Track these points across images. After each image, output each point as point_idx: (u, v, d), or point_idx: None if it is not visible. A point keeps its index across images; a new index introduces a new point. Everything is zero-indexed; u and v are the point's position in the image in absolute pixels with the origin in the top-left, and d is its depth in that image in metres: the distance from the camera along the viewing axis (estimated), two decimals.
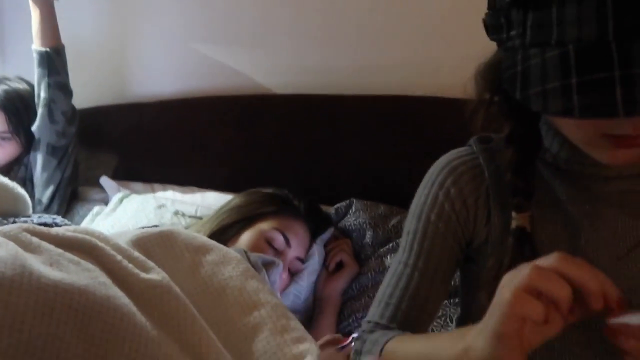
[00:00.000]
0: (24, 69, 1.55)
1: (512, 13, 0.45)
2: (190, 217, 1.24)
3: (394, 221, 1.14)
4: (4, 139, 1.38)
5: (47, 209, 1.35)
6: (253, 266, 0.91)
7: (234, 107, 1.45)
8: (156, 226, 0.88)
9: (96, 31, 1.65)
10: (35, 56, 1.34)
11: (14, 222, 0.84)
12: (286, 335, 0.57)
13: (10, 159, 1.40)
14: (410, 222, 0.64)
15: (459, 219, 0.61)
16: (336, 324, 1.01)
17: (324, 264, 1.10)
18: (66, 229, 0.64)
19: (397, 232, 1.11)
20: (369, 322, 0.64)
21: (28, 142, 1.41)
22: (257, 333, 0.58)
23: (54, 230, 0.59)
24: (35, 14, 1.32)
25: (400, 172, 1.23)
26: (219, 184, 1.38)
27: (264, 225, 1.02)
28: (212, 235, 0.99)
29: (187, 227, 1.10)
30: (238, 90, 1.49)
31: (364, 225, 1.14)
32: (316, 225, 1.12)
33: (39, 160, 1.36)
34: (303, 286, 1.06)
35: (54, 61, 1.32)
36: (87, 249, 0.59)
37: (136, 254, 0.62)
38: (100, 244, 0.60)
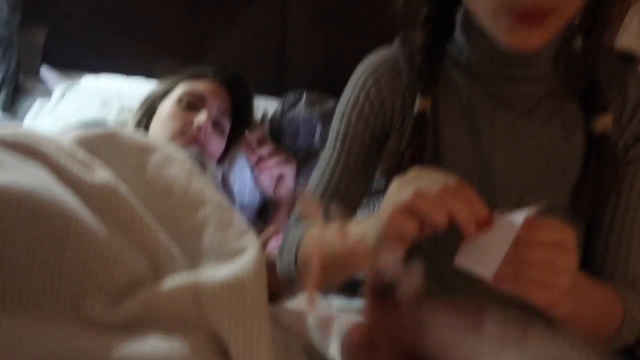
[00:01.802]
0: None
1: None
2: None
3: None
4: None
5: None
6: (206, 163, 0.94)
7: None
8: (100, 123, 0.88)
9: None
10: None
11: None
12: (230, 230, 0.61)
13: None
14: (335, 122, 0.68)
15: (377, 118, 0.64)
16: None
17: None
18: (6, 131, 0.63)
19: None
20: (293, 216, 0.69)
21: None
22: (203, 229, 0.62)
23: None
24: None
25: (350, 64, 1.23)
26: (164, 72, 1.34)
27: (176, 93, 1.08)
28: (139, 121, 1.09)
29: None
30: None
31: (314, 119, 1.16)
32: (231, 81, 1.14)
33: None
34: (248, 173, 1.12)
35: None
36: (31, 150, 0.60)
37: (81, 154, 0.63)
38: (44, 145, 0.61)
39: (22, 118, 1.31)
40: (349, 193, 0.66)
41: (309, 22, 1.25)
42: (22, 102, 1.36)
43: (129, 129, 1.06)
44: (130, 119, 1.12)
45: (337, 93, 1.18)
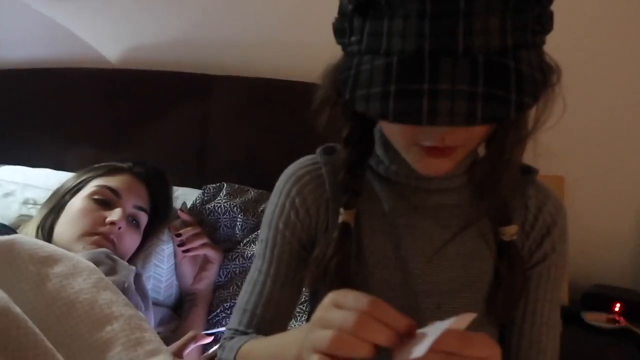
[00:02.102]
0: None
1: (354, 20, 0.47)
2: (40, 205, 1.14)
3: (264, 206, 1.16)
4: None
5: None
6: (116, 264, 0.88)
7: (90, 80, 1.35)
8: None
9: None
10: None
11: None
12: (140, 348, 0.57)
13: None
14: (263, 231, 0.68)
15: (303, 226, 0.65)
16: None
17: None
18: None
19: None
20: (229, 329, 0.67)
21: None
22: (110, 348, 0.57)
23: None
24: None
25: (270, 156, 1.25)
26: (76, 164, 1.28)
27: (88, 188, 1.03)
28: (45, 222, 1.00)
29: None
30: (94, 62, 1.38)
31: (235, 209, 1.14)
32: (149, 176, 1.11)
33: None
34: (163, 269, 1.06)
35: None
36: None
37: None
38: None
39: None
40: (282, 302, 0.65)
41: (231, 117, 1.27)
42: None
43: (32, 226, 0.98)
44: (36, 213, 1.04)
45: (256, 184, 1.21)
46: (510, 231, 0.60)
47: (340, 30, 0.50)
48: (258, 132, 1.26)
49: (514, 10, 0.43)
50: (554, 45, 0.52)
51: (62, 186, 1.07)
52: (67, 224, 0.98)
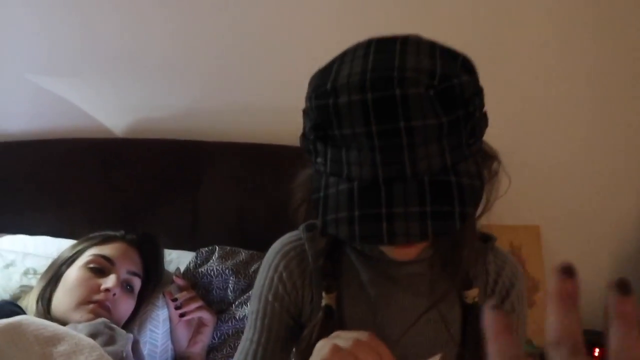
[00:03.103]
0: None
1: (317, 144, 0.55)
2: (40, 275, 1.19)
3: (254, 267, 1.21)
4: None
5: None
6: (115, 333, 0.93)
7: (91, 151, 1.42)
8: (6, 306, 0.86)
9: None
10: None
11: None
12: None
13: None
14: (253, 302, 0.73)
15: (290, 297, 0.71)
16: None
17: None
18: None
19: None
20: None
21: None
22: None
23: None
24: None
25: (260, 218, 1.32)
26: (75, 232, 1.34)
27: (83, 258, 1.08)
28: (44, 293, 1.04)
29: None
30: (95, 132, 1.46)
31: (227, 271, 1.19)
32: (141, 242, 1.17)
33: None
34: (159, 334, 1.10)
35: None
36: None
37: None
38: None
39: None
40: None
41: (222, 181, 1.34)
42: None
43: (33, 298, 1.03)
44: (36, 283, 1.09)
45: (247, 246, 1.27)
46: (472, 294, 0.67)
47: (307, 150, 0.57)
48: (249, 196, 1.33)
49: (449, 134, 0.51)
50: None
51: (59, 257, 1.12)
52: (64, 294, 1.03)
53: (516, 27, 1.33)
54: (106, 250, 1.10)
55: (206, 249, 1.25)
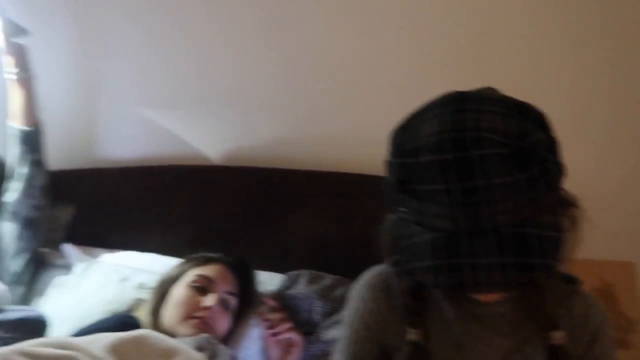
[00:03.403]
0: None
1: (400, 195, 0.60)
2: (150, 290, 1.33)
3: (340, 292, 1.27)
4: None
5: (18, 277, 1.40)
6: (216, 349, 1.03)
7: (191, 177, 1.56)
8: (127, 320, 0.99)
9: (64, 97, 1.72)
10: (16, 134, 1.38)
11: None
12: None
13: None
14: (342, 330, 0.80)
15: (378, 328, 0.76)
16: None
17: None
18: (45, 342, 0.73)
19: (343, 302, 1.24)
20: None
21: None
22: None
23: (41, 350, 0.69)
24: (16, 94, 1.37)
25: (348, 245, 1.38)
26: (178, 250, 1.48)
27: (187, 277, 1.21)
28: (155, 308, 1.17)
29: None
30: (195, 159, 1.61)
31: (313, 295, 1.26)
32: (237, 265, 1.28)
33: (13, 231, 1.40)
34: (252, 351, 1.19)
35: (35, 139, 1.39)
36: None
37: None
38: (80, 358, 0.71)
39: (42, 291, 1.41)
40: None
41: (309, 213, 1.42)
42: (43, 276, 1.47)
43: (145, 311, 1.15)
44: (147, 298, 1.22)
45: (332, 271, 1.33)
46: (558, 335, 0.68)
47: (391, 199, 0.63)
48: (335, 223, 1.40)
49: (526, 189, 0.54)
50: None
51: (166, 275, 1.25)
52: (171, 309, 1.16)
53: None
54: (207, 270, 1.21)
55: (294, 272, 1.33)
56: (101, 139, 1.73)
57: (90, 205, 1.63)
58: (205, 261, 1.25)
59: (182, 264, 1.27)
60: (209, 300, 1.15)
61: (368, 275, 0.80)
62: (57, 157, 1.55)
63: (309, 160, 1.50)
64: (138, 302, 1.25)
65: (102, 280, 1.35)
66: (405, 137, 0.59)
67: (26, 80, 1.38)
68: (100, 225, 1.61)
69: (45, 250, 1.54)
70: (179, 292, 1.17)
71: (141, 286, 1.33)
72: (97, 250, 1.53)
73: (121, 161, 1.69)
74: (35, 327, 0.97)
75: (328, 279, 1.31)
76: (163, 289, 1.21)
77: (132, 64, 1.65)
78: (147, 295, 1.27)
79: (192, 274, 1.21)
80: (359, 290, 0.79)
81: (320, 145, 1.52)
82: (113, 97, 1.70)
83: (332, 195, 1.42)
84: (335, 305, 1.25)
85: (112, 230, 1.59)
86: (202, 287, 1.17)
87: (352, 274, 1.27)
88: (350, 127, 1.49)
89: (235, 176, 1.52)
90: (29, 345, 0.71)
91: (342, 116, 1.49)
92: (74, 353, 0.71)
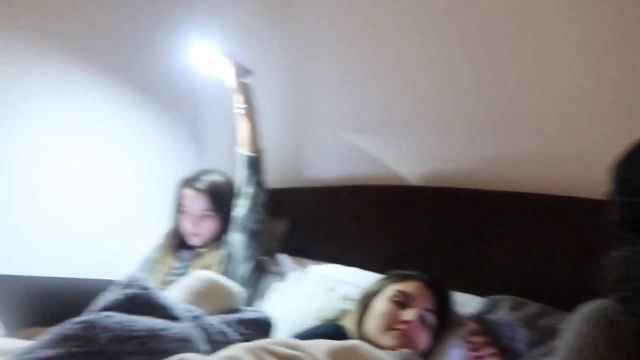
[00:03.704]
0: (215, 162, 1.94)
1: (626, 235, 0.56)
2: (355, 301, 1.44)
3: (546, 321, 1.20)
4: (206, 215, 1.73)
5: (246, 281, 1.65)
6: None
7: (391, 196, 1.63)
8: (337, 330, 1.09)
9: (279, 126, 1.97)
10: (243, 159, 1.65)
11: (237, 318, 1.10)
12: None
13: (213, 233, 1.75)
14: None
15: None
16: None
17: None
18: (276, 341, 0.86)
19: (551, 333, 1.18)
20: None
21: (225, 222, 1.75)
22: None
23: (277, 348, 0.82)
24: (243, 125, 1.65)
25: (555, 272, 1.30)
26: (378, 266, 1.57)
27: (388, 292, 1.26)
28: (359, 318, 1.26)
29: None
30: (394, 180, 1.68)
31: (517, 322, 1.22)
32: (434, 284, 1.30)
33: (241, 241, 1.67)
34: None
35: (258, 163, 1.64)
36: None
37: None
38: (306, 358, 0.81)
39: (263, 295, 1.64)
40: None
41: (510, 236, 1.38)
42: (263, 281, 1.71)
43: (351, 321, 1.25)
44: (351, 309, 1.32)
45: (536, 299, 1.27)
46: None
47: (614, 236, 0.59)
48: (540, 248, 1.33)
49: None
50: None
51: (368, 289, 1.34)
52: (372, 320, 1.24)
53: None
54: (406, 287, 1.27)
55: (496, 297, 1.29)
56: (308, 160, 1.93)
57: (299, 220, 1.84)
58: (404, 278, 1.31)
59: (383, 279, 1.34)
60: (409, 314, 1.20)
61: (589, 309, 0.76)
62: (272, 177, 1.79)
63: (511, 181, 1.45)
64: (344, 312, 1.36)
65: (312, 289, 1.50)
66: (630, 172, 0.56)
67: (251, 113, 1.64)
68: (308, 238, 1.80)
69: (265, 258, 1.79)
70: (380, 304, 1.25)
71: (345, 297, 1.44)
72: (305, 261, 1.71)
73: (326, 180, 1.86)
74: (265, 327, 1.14)
75: (533, 307, 1.24)
76: (365, 302, 1.30)
77: (335, 94, 1.81)
78: (351, 306, 1.38)
79: (392, 289, 1.27)
80: (578, 323, 0.76)
81: (523, 166, 1.46)
82: (319, 123, 1.89)
83: (537, 218, 1.35)
84: (542, 336, 1.19)
85: (318, 243, 1.76)
86: (401, 302, 1.23)
87: (558, 304, 1.22)
88: (556, 147, 1.40)
89: (435, 196, 1.54)
90: (266, 342, 0.85)
91: (548, 136, 1.42)
92: (302, 354, 0.82)
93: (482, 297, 1.34)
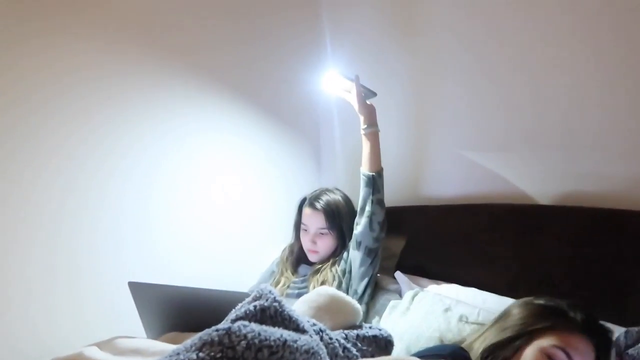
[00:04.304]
0: (334, 180, 2.00)
1: None
2: (472, 323, 1.39)
3: None
4: (322, 233, 1.79)
5: (360, 297, 1.68)
6: None
7: (507, 216, 1.57)
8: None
9: (399, 145, 2.00)
10: (363, 178, 1.70)
11: (356, 334, 1.12)
12: None
13: (329, 250, 1.81)
14: None
15: None
16: None
17: None
18: (396, 358, 0.86)
19: None
20: None
21: (342, 239, 1.79)
22: None
23: None
24: (366, 145, 1.69)
25: None
26: (498, 287, 1.51)
27: (544, 342, 1.07)
28: (495, 348, 1.12)
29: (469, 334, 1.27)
30: (510, 198, 1.61)
31: None
32: (597, 339, 1.10)
33: (358, 258, 1.71)
34: None
35: (377, 182, 1.67)
36: None
37: None
38: None
39: (379, 312, 1.65)
40: None
41: None
42: (379, 298, 1.72)
43: (478, 346, 1.18)
44: (479, 332, 1.21)
45: None
46: None
47: None
48: None
49: None
50: None
51: (510, 320, 1.16)
52: None
53: None
54: (568, 344, 1.06)
55: (636, 329, 1.18)
56: (426, 178, 1.92)
57: (417, 238, 1.83)
58: (562, 327, 1.10)
59: (534, 317, 1.14)
60: None
61: None
62: (392, 195, 1.80)
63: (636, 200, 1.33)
64: (458, 331, 1.31)
65: (428, 308, 1.48)
66: None
67: (374, 134, 1.67)
68: (424, 256, 1.78)
69: (381, 276, 1.80)
70: (533, 356, 1.06)
71: (462, 318, 1.40)
72: (422, 279, 1.70)
73: (445, 199, 1.83)
74: (385, 344, 1.14)
75: None
76: (508, 338, 1.12)
77: (456, 113, 1.79)
78: (468, 327, 1.33)
79: (549, 342, 1.07)
80: None
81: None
82: (437, 142, 1.87)
83: None
84: None
85: (434, 262, 1.74)
86: (556, 355, 1.05)
87: None
88: None
89: (561, 217, 1.46)
90: (387, 359, 0.86)
91: None
92: None
93: (621, 327, 1.23)
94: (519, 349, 1.10)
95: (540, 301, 1.18)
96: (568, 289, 1.37)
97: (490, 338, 1.16)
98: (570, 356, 1.04)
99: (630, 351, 1.16)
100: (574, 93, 1.47)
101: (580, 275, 1.38)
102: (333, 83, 1.75)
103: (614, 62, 1.38)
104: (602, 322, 1.14)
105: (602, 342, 1.11)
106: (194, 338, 0.82)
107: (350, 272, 1.73)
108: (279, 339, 0.82)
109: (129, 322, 1.29)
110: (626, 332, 1.19)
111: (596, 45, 1.41)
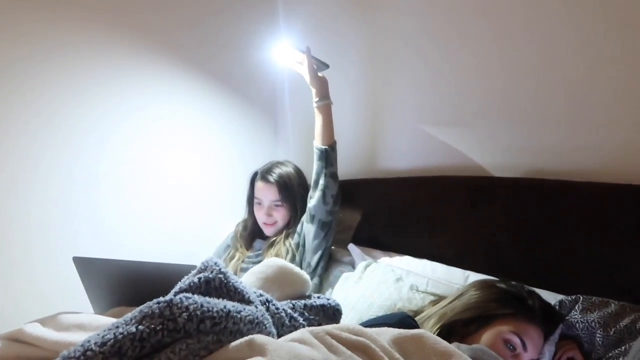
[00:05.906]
0: (289, 154, 1.99)
1: None
2: (422, 292, 1.43)
3: (626, 321, 1.14)
4: (277, 205, 1.80)
5: (314, 270, 1.70)
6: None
7: (461, 188, 1.61)
8: (403, 319, 1.10)
9: (353, 118, 2.00)
10: (316, 152, 1.69)
11: (304, 304, 1.14)
12: None
13: (284, 222, 1.81)
14: None
15: None
16: None
17: None
18: (342, 327, 0.88)
19: (631, 333, 1.12)
20: None
21: (294, 211, 1.80)
22: None
23: (342, 334, 0.84)
24: (318, 118, 1.68)
25: (634, 268, 1.23)
26: (447, 257, 1.55)
27: (503, 327, 1.12)
28: (455, 324, 1.17)
29: (422, 307, 1.31)
30: (464, 171, 1.65)
31: (593, 324, 1.16)
32: (548, 326, 1.18)
33: (312, 231, 1.72)
34: None
35: (330, 156, 1.67)
36: (364, 349, 0.83)
37: (397, 355, 0.83)
38: (372, 346, 0.83)
39: (332, 284, 1.67)
40: None
41: (589, 233, 1.31)
42: (332, 270, 1.75)
43: (430, 328, 1.20)
44: (430, 310, 1.26)
45: (621, 297, 1.20)
46: None
47: None
48: (621, 241, 1.26)
49: None
50: None
51: (470, 301, 1.20)
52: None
53: None
54: (525, 332, 1.12)
55: (569, 298, 1.24)
56: (381, 151, 1.94)
57: (372, 211, 1.85)
58: (522, 315, 1.15)
59: (497, 302, 1.18)
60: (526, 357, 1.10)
61: None
62: (345, 169, 1.81)
63: (597, 172, 1.38)
64: (408, 300, 1.34)
65: (380, 278, 1.52)
66: None
67: (327, 107, 1.67)
68: (379, 228, 1.81)
69: (335, 248, 1.83)
70: (490, 339, 1.12)
71: (412, 287, 1.44)
72: (375, 251, 1.73)
73: (398, 171, 1.85)
74: (333, 313, 1.16)
75: (612, 306, 1.18)
76: (469, 317, 1.17)
77: (411, 87, 1.80)
78: (418, 295, 1.38)
79: (507, 328, 1.12)
80: None
81: (607, 155, 1.38)
82: (392, 116, 1.88)
83: (624, 210, 1.27)
84: (620, 336, 1.12)
85: (388, 234, 1.77)
86: (514, 349, 1.11)
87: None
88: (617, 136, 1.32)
89: (510, 188, 1.49)
90: (331, 327, 0.87)
91: (611, 124, 1.33)
92: (366, 341, 0.83)
93: (560, 295, 1.29)
94: (478, 331, 1.15)
95: (503, 285, 1.23)
96: (512, 258, 1.42)
97: (451, 315, 1.20)
98: (524, 343, 1.11)
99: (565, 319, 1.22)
100: (521, 67, 1.50)
101: (524, 245, 1.43)
102: (284, 55, 1.72)
103: (566, 35, 1.41)
104: (556, 310, 1.21)
105: (553, 329, 1.18)
106: (134, 311, 0.82)
107: (304, 245, 1.74)
108: (222, 309, 0.82)
109: (78, 298, 1.26)
110: (560, 302, 1.25)
111: (546, 17, 1.43)
